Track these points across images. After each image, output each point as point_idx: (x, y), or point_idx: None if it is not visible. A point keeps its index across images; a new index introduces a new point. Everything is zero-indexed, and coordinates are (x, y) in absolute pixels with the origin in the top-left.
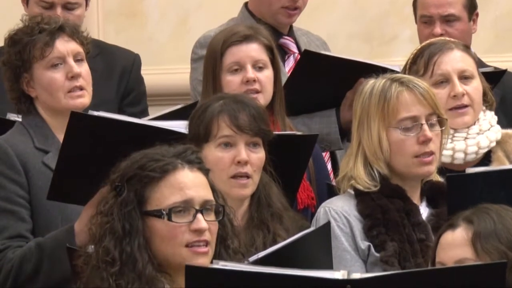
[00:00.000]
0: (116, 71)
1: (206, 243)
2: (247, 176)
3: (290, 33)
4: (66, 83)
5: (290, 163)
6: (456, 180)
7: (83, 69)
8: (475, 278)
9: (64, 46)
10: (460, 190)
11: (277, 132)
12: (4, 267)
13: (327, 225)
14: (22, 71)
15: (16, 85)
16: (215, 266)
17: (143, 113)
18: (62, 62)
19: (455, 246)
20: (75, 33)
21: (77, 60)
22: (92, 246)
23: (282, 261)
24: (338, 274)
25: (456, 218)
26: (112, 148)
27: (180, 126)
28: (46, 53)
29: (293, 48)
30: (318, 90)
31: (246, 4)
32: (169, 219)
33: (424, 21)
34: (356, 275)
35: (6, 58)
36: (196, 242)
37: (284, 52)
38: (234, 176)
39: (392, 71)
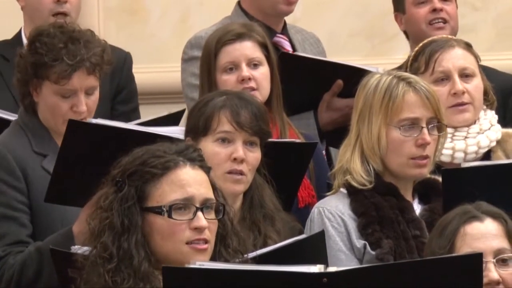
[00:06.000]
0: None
1: (206, 241)
2: (241, 173)
3: (284, 31)
4: (69, 113)
5: (289, 170)
6: (452, 174)
7: (91, 100)
8: (452, 269)
9: (80, 81)
10: (455, 184)
11: (275, 140)
12: (5, 273)
13: (322, 233)
14: (33, 77)
15: (24, 83)
16: (192, 265)
17: (134, 111)
18: (73, 94)
19: (494, 235)
20: (96, 68)
21: (88, 93)
22: (77, 247)
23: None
24: (314, 268)
25: (472, 210)
26: (110, 152)
27: (177, 132)
28: (61, 83)
29: (287, 46)
30: (296, 93)
31: (239, 2)
32: (170, 216)
33: (421, 0)
34: (332, 269)
35: (24, 55)
36: (195, 240)
37: (278, 50)
38: (228, 172)
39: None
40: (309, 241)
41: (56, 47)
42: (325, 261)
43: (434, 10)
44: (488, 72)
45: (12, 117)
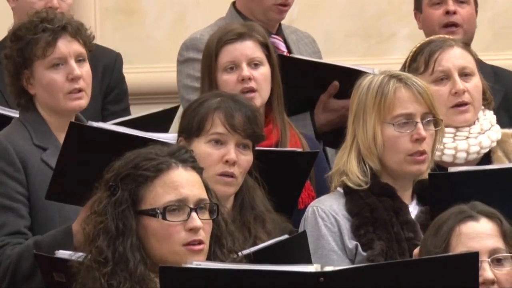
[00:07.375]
0: (98, 69)
1: (200, 242)
2: (232, 176)
3: (279, 31)
4: (66, 84)
5: (289, 179)
6: (439, 179)
7: (84, 70)
8: (448, 269)
9: (66, 46)
10: (442, 189)
11: (277, 149)
12: (2, 264)
13: (304, 233)
14: (23, 67)
15: (16, 81)
16: (189, 265)
17: (125, 111)
18: (63, 63)
19: (489, 235)
20: (78, 33)
21: (79, 61)
22: (62, 251)
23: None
24: (311, 268)
25: (468, 210)
26: (110, 153)
27: (174, 138)
28: (48, 53)
29: (282, 47)
30: (292, 94)
31: (234, 3)
32: (164, 218)
33: (436, 2)
34: (329, 268)
35: (8, 52)
36: (191, 242)
37: None
38: (220, 174)
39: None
40: (291, 242)
41: (34, 24)
42: (308, 262)
43: (448, 12)
44: (498, 72)
45: (14, 113)
